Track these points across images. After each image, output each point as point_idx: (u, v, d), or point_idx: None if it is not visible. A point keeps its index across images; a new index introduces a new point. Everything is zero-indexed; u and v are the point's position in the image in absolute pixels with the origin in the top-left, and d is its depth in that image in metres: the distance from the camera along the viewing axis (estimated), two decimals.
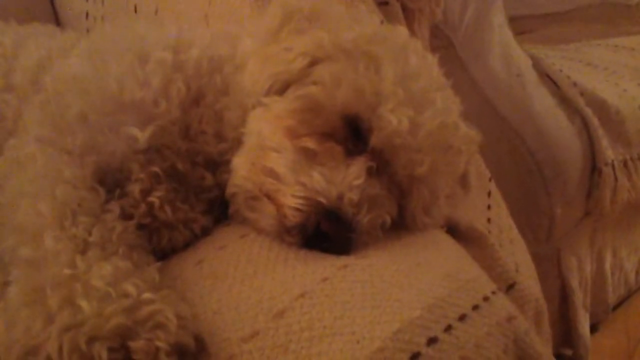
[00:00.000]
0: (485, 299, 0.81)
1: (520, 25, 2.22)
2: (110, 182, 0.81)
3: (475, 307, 0.78)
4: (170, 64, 0.90)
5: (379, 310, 0.70)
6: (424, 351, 0.68)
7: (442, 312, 0.74)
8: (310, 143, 0.81)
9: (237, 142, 0.88)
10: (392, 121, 0.80)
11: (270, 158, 0.82)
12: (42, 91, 0.90)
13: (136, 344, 0.55)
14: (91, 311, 0.58)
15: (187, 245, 0.84)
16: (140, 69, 0.88)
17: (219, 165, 0.90)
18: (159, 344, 0.56)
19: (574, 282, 1.80)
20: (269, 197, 0.81)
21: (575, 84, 1.82)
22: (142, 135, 0.84)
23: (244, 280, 0.73)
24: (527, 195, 1.75)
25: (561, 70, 1.85)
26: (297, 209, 0.78)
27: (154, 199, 0.81)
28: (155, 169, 0.83)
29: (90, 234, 0.70)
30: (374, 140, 0.82)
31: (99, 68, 0.89)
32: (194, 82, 0.92)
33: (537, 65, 1.86)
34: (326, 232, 0.77)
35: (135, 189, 0.81)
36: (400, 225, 0.87)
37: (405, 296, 0.74)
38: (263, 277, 0.73)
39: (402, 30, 0.92)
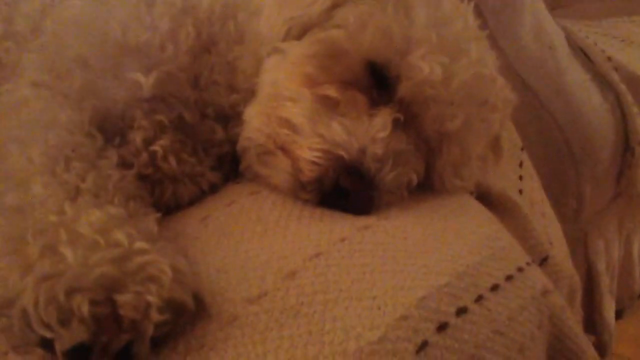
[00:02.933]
0: (520, 269, 0.72)
1: (554, 0, 2.09)
2: (109, 129, 0.72)
3: (509, 278, 0.69)
4: (180, 7, 0.81)
5: (402, 275, 0.61)
6: (453, 322, 0.59)
7: (473, 281, 0.65)
8: (330, 91, 0.72)
9: (251, 94, 0.79)
10: (423, 69, 0.71)
11: (286, 108, 0.73)
12: (42, 36, 0.81)
13: (123, 297, 0.47)
14: (75, 260, 0.49)
15: (192, 201, 0.76)
16: (147, 11, 0.80)
17: (230, 118, 0.81)
18: (150, 298, 0.47)
19: (601, 266, 1.69)
20: (283, 150, 0.72)
21: (609, 59, 1.70)
22: (146, 81, 0.75)
23: (253, 239, 0.64)
24: (555, 173, 1.64)
25: (595, 44, 1.73)
26: (314, 163, 0.69)
27: (157, 147, 0.72)
28: (160, 117, 0.74)
29: (83, 180, 0.61)
30: (402, 90, 0.72)
31: (102, 10, 0.80)
32: (205, 28, 0.82)
33: (570, 38, 1.74)
34: (345, 189, 0.68)
35: (137, 136, 0.72)
36: (427, 187, 0.78)
37: (432, 262, 0.65)
38: (273, 236, 0.64)
39: None
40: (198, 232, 0.66)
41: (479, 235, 0.73)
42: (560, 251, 0.94)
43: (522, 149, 1.09)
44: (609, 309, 1.73)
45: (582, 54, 1.73)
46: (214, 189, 0.78)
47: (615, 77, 1.69)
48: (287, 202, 0.70)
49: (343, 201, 0.69)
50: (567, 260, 0.95)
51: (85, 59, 0.75)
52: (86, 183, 0.61)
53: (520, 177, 1.05)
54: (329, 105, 0.72)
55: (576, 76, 1.69)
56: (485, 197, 0.88)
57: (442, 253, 0.67)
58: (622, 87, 1.68)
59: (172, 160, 0.73)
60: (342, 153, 0.68)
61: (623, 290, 1.85)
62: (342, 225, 0.66)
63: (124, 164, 0.70)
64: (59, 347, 0.46)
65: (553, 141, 1.62)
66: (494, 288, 0.66)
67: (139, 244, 0.52)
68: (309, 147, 0.69)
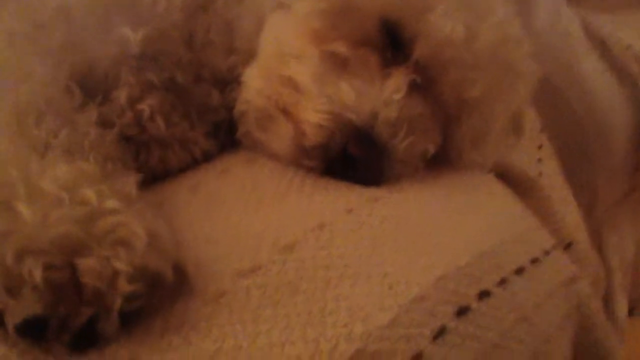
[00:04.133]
0: (546, 252, 0.63)
1: None
2: (91, 86, 0.64)
3: (535, 261, 0.61)
4: None
5: (416, 252, 0.53)
6: (475, 306, 0.50)
7: (496, 262, 0.56)
8: (340, 48, 0.63)
9: (251, 56, 0.70)
10: (443, 27, 0.62)
11: (289, 66, 0.64)
12: None
13: (86, 262, 0.38)
14: (31, 217, 0.41)
15: (182, 169, 0.67)
16: None
17: (228, 82, 0.72)
18: (118, 264, 0.39)
19: (614, 262, 1.60)
20: (285, 112, 0.63)
21: (629, 47, 1.60)
22: (134, 37, 0.66)
23: (247, 208, 0.55)
24: (569, 163, 1.55)
25: (614, 33, 1.63)
26: (320, 126, 0.60)
27: (143, 106, 0.63)
28: (149, 75, 0.66)
29: (55, 136, 0.53)
30: (419, 50, 0.63)
31: None
32: None
33: (586, 26, 1.65)
34: (354, 156, 0.59)
35: (121, 94, 0.63)
36: (444, 161, 0.69)
37: (450, 240, 0.56)
38: (270, 206, 0.56)
39: None
40: (186, 200, 0.58)
41: (502, 213, 0.65)
42: (584, 237, 0.85)
43: (541, 131, 1.00)
44: (621, 305, 1.64)
45: (600, 43, 1.64)
46: (207, 157, 0.70)
47: (634, 68, 1.60)
48: (287, 171, 0.62)
49: (351, 170, 0.60)
50: (590, 248, 0.86)
51: (68, 10, 0.67)
52: (58, 139, 0.52)
53: (540, 160, 0.96)
54: (338, 64, 0.63)
55: (593, 65, 1.59)
56: (505, 176, 0.79)
57: (461, 230, 0.58)
58: None
59: (160, 122, 0.64)
60: (351, 116, 0.59)
61: (636, 288, 1.76)
62: (348, 195, 0.58)
63: (106, 124, 0.61)
64: (9, 320, 0.38)
65: (568, 130, 1.53)
66: (519, 271, 0.58)
67: (111, 203, 0.43)
68: (314, 108, 0.61)
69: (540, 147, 0.99)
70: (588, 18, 1.70)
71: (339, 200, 0.56)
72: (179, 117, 0.68)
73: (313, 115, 0.60)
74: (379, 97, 0.61)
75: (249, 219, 0.53)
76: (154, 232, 0.43)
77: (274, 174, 0.61)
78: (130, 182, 0.50)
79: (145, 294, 0.41)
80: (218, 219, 0.54)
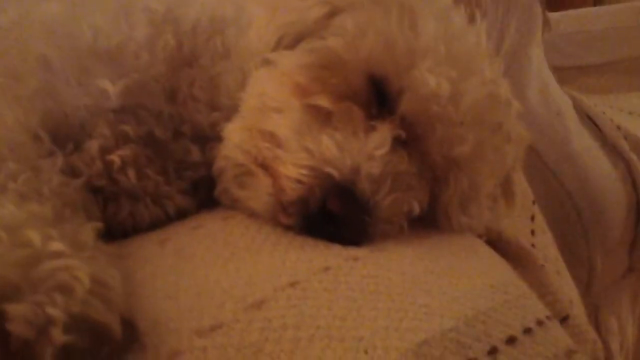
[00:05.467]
0: (539, 323, 0.58)
1: (558, 76, 2.01)
2: (63, 135, 0.61)
3: (528, 331, 0.55)
4: (162, 16, 0.71)
5: (398, 315, 0.47)
6: None
7: (485, 329, 0.51)
8: (322, 101, 0.60)
9: (234, 112, 0.68)
10: (429, 82, 0.59)
11: (271, 120, 0.61)
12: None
13: (15, 308, 0.33)
14: None
15: (155, 225, 0.63)
16: (125, 18, 0.70)
17: (209, 139, 0.69)
18: (52, 311, 0.34)
19: (614, 345, 1.52)
20: (264, 167, 0.60)
21: (618, 127, 1.60)
22: (113, 90, 0.64)
23: (216, 263, 0.51)
24: (564, 242, 1.50)
25: (604, 113, 1.64)
26: (298, 181, 0.56)
27: (114, 157, 0.60)
28: (125, 127, 0.63)
29: (15, 180, 0.49)
30: (404, 106, 0.61)
31: (76, 13, 0.70)
32: (188, 40, 0.72)
33: (577, 105, 1.65)
34: (333, 213, 0.55)
35: (93, 144, 0.60)
36: (430, 222, 0.65)
37: (435, 302, 0.51)
38: (241, 261, 0.51)
39: None
40: (152, 253, 0.53)
41: (491, 278, 0.60)
42: (580, 312, 0.80)
43: (533, 202, 0.96)
44: None
45: (590, 122, 1.64)
46: (182, 214, 0.65)
47: (625, 145, 1.59)
48: (263, 227, 0.57)
49: (330, 227, 0.56)
50: (588, 324, 0.81)
51: (48, 60, 0.65)
52: (17, 184, 0.48)
53: (532, 232, 0.92)
54: (320, 118, 0.60)
55: (585, 143, 1.58)
56: (496, 243, 0.75)
57: (446, 293, 0.53)
58: (633, 156, 1.58)
59: (132, 174, 0.61)
60: (331, 170, 0.56)
61: None
62: (326, 254, 0.53)
63: (74, 173, 0.58)
64: None
65: (561, 207, 1.50)
66: (511, 341, 0.52)
67: (55, 246, 0.39)
68: (293, 163, 0.57)
69: (532, 218, 0.95)
70: (578, 96, 1.71)
71: (315, 259, 0.52)
72: (154, 172, 0.64)
73: (292, 170, 0.57)
74: (361, 151, 0.57)
75: (216, 274, 0.48)
76: (101, 280, 0.38)
77: (248, 229, 0.57)
78: (87, 229, 0.46)
79: (87, 349, 0.36)
80: (183, 273, 0.49)
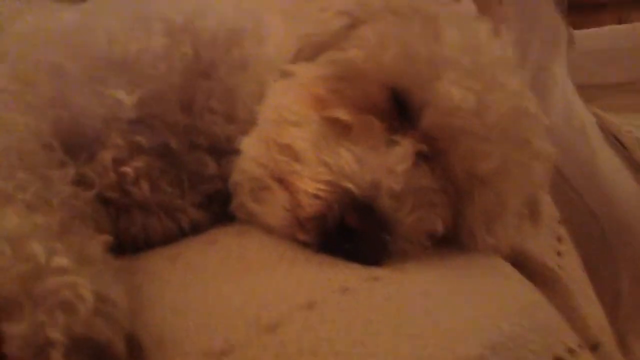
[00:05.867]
0: (571, 351, 0.54)
1: (580, 94, 1.98)
2: (76, 145, 0.59)
3: None
4: (180, 26, 0.69)
5: (420, 341, 0.44)
6: None
7: (513, 356, 0.47)
8: (342, 114, 0.58)
9: (250, 125, 0.65)
10: (453, 95, 0.57)
11: (288, 133, 0.59)
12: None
13: (14, 328, 0.31)
14: None
15: (168, 240, 0.60)
16: (142, 26, 0.68)
17: (225, 152, 0.67)
18: (52, 333, 0.31)
19: None
20: (281, 182, 0.57)
21: None
22: (129, 100, 0.62)
23: (229, 279, 0.48)
24: (588, 264, 1.45)
25: (629, 132, 1.59)
26: (316, 196, 0.54)
27: (128, 169, 0.58)
28: (140, 138, 0.61)
29: (24, 191, 0.47)
30: (427, 120, 0.58)
31: (89, 21, 0.69)
32: (207, 51, 0.70)
33: (602, 123, 1.61)
34: (352, 230, 0.52)
35: (106, 155, 0.58)
36: (453, 241, 0.61)
37: (460, 326, 0.48)
38: (256, 278, 0.48)
39: (470, 5, 0.70)
40: (162, 268, 0.51)
41: (519, 302, 0.56)
42: (611, 339, 0.76)
43: (559, 222, 0.93)
44: None
45: (615, 140, 1.60)
46: (196, 229, 0.63)
47: None
48: (280, 244, 0.55)
49: (349, 245, 0.53)
50: (618, 353, 0.76)
51: (61, 69, 0.63)
52: (26, 194, 0.46)
53: (559, 253, 0.88)
54: (340, 131, 0.58)
55: (609, 162, 1.54)
56: (522, 265, 0.71)
57: (471, 317, 0.50)
58: None
59: (145, 186, 0.58)
60: (350, 186, 0.53)
61: None
62: (345, 273, 0.50)
63: (86, 184, 0.56)
64: None
65: (586, 228, 1.45)
66: None
67: (60, 261, 0.36)
68: (311, 177, 0.55)
69: (559, 239, 0.91)
70: (602, 114, 1.67)
71: (334, 278, 0.49)
72: (168, 184, 0.62)
73: (310, 185, 0.54)
74: (382, 166, 0.55)
75: (229, 290, 0.46)
76: (106, 297, 0.35)
77: (264, 245, 0.54)
78: (95, 243, 0.44)
79: None
80: (194, 289, 0.46)
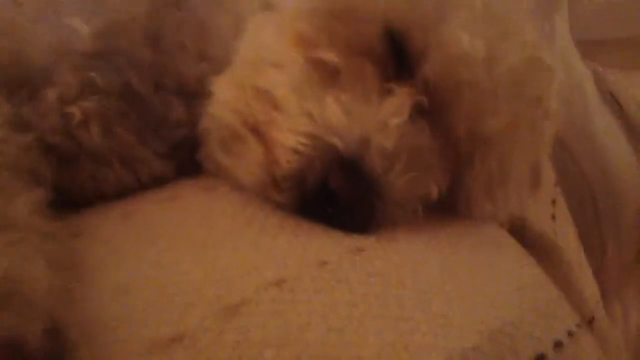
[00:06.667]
0: (570, 334, 0.48)
1: (579, 50, 1.88)
2: (16, 80, 0.49)
3: (558, 345, 0.45)
4: None
5: (408, 326, 0.37)
6: None
7: (511, 346, 0.41)
8: (330, 56, 0.49)
9: (225, 64, 0.56)
10: (460, 41, 0.48)
11: (267, 75, 0.50)
12: None
13: None
14: None
15: (123, 194, 0.52)
16: None
17: (195, 94, 0.58)
18: None
19: (616, 332, 1.43)
20: (256, 132, 0.49)
21: None
22: (85, 29, 0.53)
23: (187, 248, 0.40)
24: (580, 224, 1.40)
25: (627, 89, 1.51)
26: (296, 151, 0.45)
27: (74, 109, 0.49)
28: (94, 75, 0.52)
29: None
30: (429, 67, 0.49)
31: None
32: None
33: (599, 80, 1.53)
34: (335, 191, 0.44)
35: (51, 93, 0.49)
36: (448, 207, 0.54)
37: (453, 310, 0.41)
38: (219, 248, 0.40)
39: None
40: (113, 230, 0.43)
41: (518, 280, 0.49)
42: (603, 314, 0.70)
43: (555, 184, 0.86)
44: None
45: (612, 99, 1.52)
46: (158, 182, 0.55)
47: None
48: (250, 204, 0.47)
49: (330, 209, 0.45)
50: (611, 326, 0.71)
51: None
52: None
53: (553, 217, 0.81)
54: (326, 75, 0.49)
55: (605, 122, 1.47)
56: (519, 234, 0.64)
57: (467, 299, 0.43)
58: None
59: (95, 131, 0.50)
60: (335, 141, 0.45)
61: None
62: (323, 243, 0.43)
63: (25, 126, 0.47)
64: None
65: (576, 190, 1.39)
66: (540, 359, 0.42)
67: None
68: (290, 129, 0.47)
69: (554, 202, 0.84)
70: (601, 73, 1.59)
71: (310, 249, 0.41)
72: (126, 130, 0.53)
73: (288, 137, 0.46)
74: (373, 118, 0.46)
75: (186, 262, 0.38)
76: (19, 277, 0.27)
77: (232, 205, 0.46)
78: (21, 201, 0.35)
79: None
80: (145, 258, 0.38)
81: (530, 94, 0.52)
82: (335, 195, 0.45)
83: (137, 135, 0.55)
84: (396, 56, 0.51)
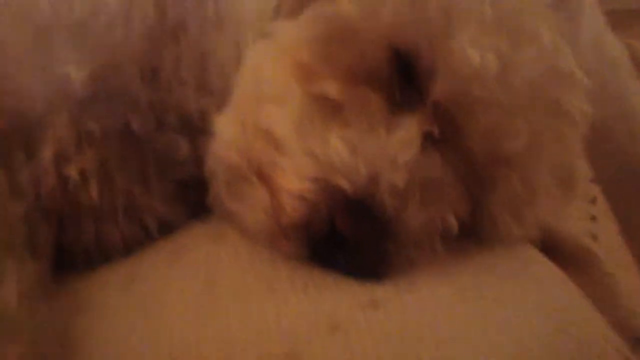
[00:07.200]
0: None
1: (611, 21, 1.78)
2: (11, 144, 0.47)
3: None
4: None
5: None
6: None
7: None
8: (331, 88, 0.45)
9: (227, 96, 0.53)
10: (471, 57, 0.44)
11: (267, 113, 0.47)
12: None
13: None
14: None
15: (130, 248, 0.50)
16: None
17: (200, 131, 0.55)
18: None
19: None
20: (260, 176, 0.46)
21: None
22: (78, 74, 0.50)
23: (189, 319, 0.37)
24: (617, 210, 1.32)
25: None
26: (301, 197, 0.42)
27: (70, 171, 0.46)
28: (91, 125, 0.49)
29: None
30: (438, 89, 0.45)
31: None
32: (174, 8, 0.57)
33: (634, 54, 1.44)
34: (345, 236, 0.41)
35: (46, 151, 0.47)
36: (470, 232, 0.50)
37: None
38: (224, 316, 0.38)
39: None
40: (112, 303, 0.40)
41: (553, 319, 0.45)
42: None
43: (592, 180, 0.80)
44: None
45: None
46: (167, 229, 0.52)
47: None
48: (258, 257, 0.44)
49: (341, 255, 0.42)
50: None
51: (2, 43, 0.51)
52: None
53: (593, 218, 0.76)
54: (329, 109, 0.45)
55: None
56: (551, 247, 0.60)
57: (493, 345, 0.39)
58: None
59: (94, 189, 0.47)
60: (341, 182, 0.41)
61: None
62: (336, 299, 0.39)
63: (22, 193, 0.45)
64: None
65: (615, 170, 1.31)
66: None
67: None
68: (294, 172, 0.43)
69: (593, 201, 0.78)
70: (635, 46, 1.50)
71: (321, 308, 0.38)
72: (128, 177, 0.51)
73: (293, 182, 0.43)
74: (382, 155, 0.42)
75: (186, 336, 0.35)
76: None
77: (240, 260, 0.44)
78: (14, 284, 0.33)
79: None
80: (145, 337, 0.36)
81: (552, 106, 0.48)
82: (345, 239, 0.41)
83: (141, 181, 0.52)
84: (403, 79, 0.46)
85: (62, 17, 0.53)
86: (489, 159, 0.47)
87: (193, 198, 0.55)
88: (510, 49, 0.45)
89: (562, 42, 0.50)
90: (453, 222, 0.45)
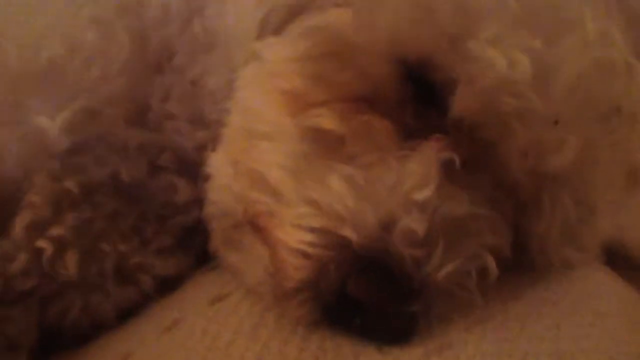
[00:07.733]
0: None
1: None
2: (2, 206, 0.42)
3: None
4: (114, 7, 0.50)
5: None
6: None
7: None
8: (327, 118, 0.38)
9: (221, 128, 0.46)
10: (495, 61, 0.35)
11: (259, 154, 0.40)
12: None
13: None
14: None
15: (125, 315, 0.44)
16: (70, 19, 0.50)
17: (199, 168, 0.48)
18: None
19: None
20: (256, 227, 0.39)
21: None
22: (53, 126, 0.45)
23: None
24: None
25: None
26: (304, 254, 0.35)
27: (43, 244, 0.41)
28: (69, 183, 0.43)
29: None
30: (459, 103, 0.37)
31: (14, 22, 0.51)
32: (157, 32, 0.52)
33: None
34: (359, 300, 0.33)
35: (18, 222, 0.41)
36: (518, 261, 0.41)
37: None
38: None
39: None
40: None
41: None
42: None
43: None
44: None
45: None
46: (167, 285, 0.46)
47: None
48: (263, 322, 0.37)
49: (358, 320, 0.34)
50: None
51: None
52: None
53: None
54: (328, 144, 0.38)
55: None
56: (617, 258, 0.50)
57: None
58: None
59: (72, 260, 0.41)
60: (348, 233, 0.34)
61: None
62: None
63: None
64: None
65: None
66: None
67: None
68: (292, 223, 0.36)
69: None
70: None
71: None
72: (119, 236, 0.45)
73: (292, 235, 0.36)
74: (394, 194, 0.35)
75: None
76: None
77: (242, 328, 0.37)
78: None
79: None
80: None
81: (604, 107, 0.38)
82: (359, 302, 0.34)
83: (135, 235, 0.46)
84: (416, 97, 0.38)
85: (29, 65, 0.47)
86: (529, 179, 0.38)
87: (199, 244, 0.49)
88: (544, 45, 0.36)
89: (611, 26, 0.40)
90: (491, 262, 0.37)
